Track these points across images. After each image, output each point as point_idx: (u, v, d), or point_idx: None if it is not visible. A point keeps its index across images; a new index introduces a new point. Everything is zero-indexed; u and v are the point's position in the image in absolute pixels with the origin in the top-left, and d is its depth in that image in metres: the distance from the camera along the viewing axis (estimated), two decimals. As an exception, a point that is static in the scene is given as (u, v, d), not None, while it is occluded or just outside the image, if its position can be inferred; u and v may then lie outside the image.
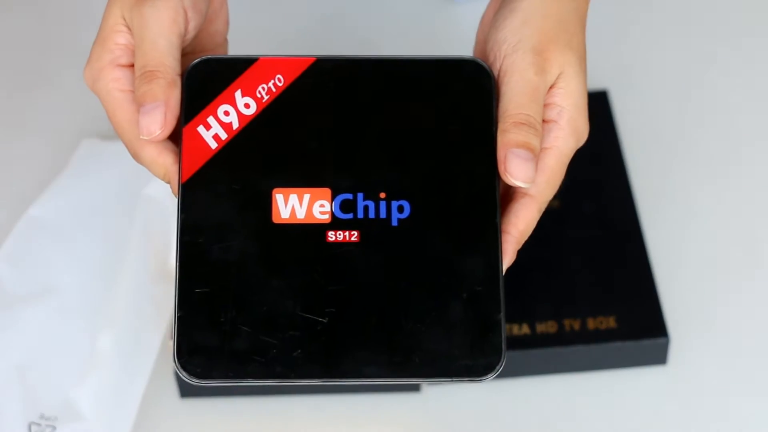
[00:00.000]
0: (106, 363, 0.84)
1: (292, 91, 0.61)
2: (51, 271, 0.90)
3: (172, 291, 0.87)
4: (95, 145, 0.98)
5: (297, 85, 0.61)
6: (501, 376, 0.84)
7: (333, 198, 0.59)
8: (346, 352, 0.57)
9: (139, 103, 0.62)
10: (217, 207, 0.59)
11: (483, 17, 0.70)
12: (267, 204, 0.59)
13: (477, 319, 0.58)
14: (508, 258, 0.62)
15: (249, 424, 0.83)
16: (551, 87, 0.64)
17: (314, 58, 0.62)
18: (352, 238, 0.58)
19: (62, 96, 1.04)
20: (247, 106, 0.60)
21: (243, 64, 0.61)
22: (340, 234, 0.58)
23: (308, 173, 0.59)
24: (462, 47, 1.07)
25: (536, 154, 0.62)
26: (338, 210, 0.58)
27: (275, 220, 0.59)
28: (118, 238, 0.91)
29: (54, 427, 0.82)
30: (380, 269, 0.58)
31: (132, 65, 0.64)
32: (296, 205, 0.58)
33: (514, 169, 0.61)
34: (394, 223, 0.59)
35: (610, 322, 0.84)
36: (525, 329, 0.84)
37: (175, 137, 0.64)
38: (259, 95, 0.61)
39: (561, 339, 0.84)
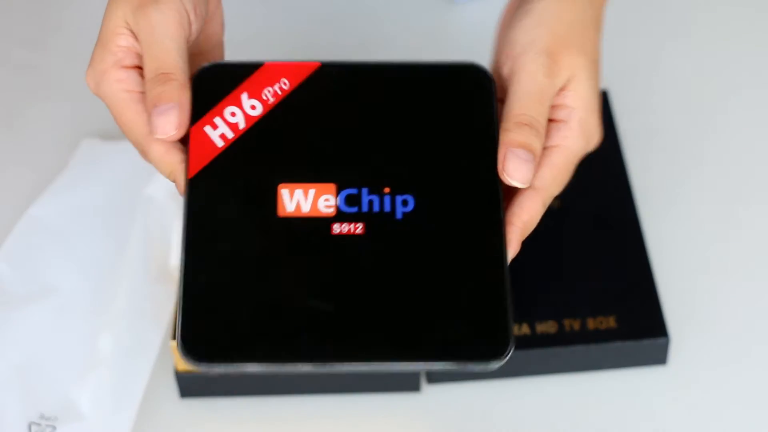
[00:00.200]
0: (106, 363, 0.84)
1: (298, 94, 0.62)
2: (51, 270, 0.90)
3: (172, 291, 0.87)
4: (95, 145, 0.98)
5: (302, 88, 0.62)
6: (501, 376, 0.84)
7: (338, 192, 0.60)
8: (352, 336, 0.57)
9: (153, 104, 0.63)
10: (223, 201, 0.60)
11: (501, 18, 0.71)
12: (272, 198, 0.60)
13: (483, 306, 0.59)
14: (512, 248, 0.63)
15: (249, 425, 0.83)
16: (562, 89, 0.65)
17: (319, 63, 0.64)
18: (357, 230, 0.59)
19: (62, 96, 1.04)
20: (253, 107, 0.62)
21: (249, 68, 0.63)
22: (345, 226, 0.59)
23: (313, 169, 0.60)
24: (462, 47, 1.07)
25: (536, 156, 0.63)
26: (343, 204, 0.59)
27: (280, 213, 0.59)
28: (118, 238, 0.91)
29: (54, 427, 0.82)
30: (386, 258, 0.59)
31: (135, 67, 0.66)
32: (301, 200, 0.59)
33: (513, 169, 0.62)
34: (399, 216, 0.59)
35: (610, 322, 0.84)
36: (525, 329, 0.84)
37: (182, 137, 0.65)
38: (264, 97, 0.62)
39: (561, 339, 0.83)
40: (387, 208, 0.59)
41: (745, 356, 0.86)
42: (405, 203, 0.60)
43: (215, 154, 0.61)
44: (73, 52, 1.07)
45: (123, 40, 0.66)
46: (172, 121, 0.63)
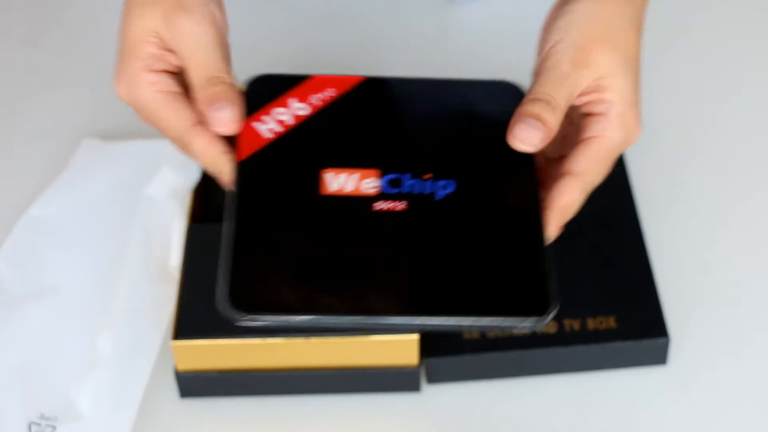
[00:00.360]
0: (106, 363, 0.84)
1: (343, 100, 0.68)
2: (51, 270, 0.90)
3: (172, 291, 0.87)
4: (95, 145, 0.98)
5: (347, 96, 0.68)
6: (501, 376, 0.84)
7: (381, 177, 0.64)
8: (396, 293, 0.61)
9: (209, 104, 0.67)
10: (270, 180, 0.65)
11: (545, 20, 0.73)
12: (316, 180, 0.64)
13: (523, 270, 0.63)
14: (552, 230, 0.66)
15: (249, 425, 0.83)
16: (600, 88, 0.68)
17: (364, 77, 0.69)
18: (398, 208, 0.63)
19: (62, 96, 1.03)
20: (300, 109, 0.67)
21: (297, 79, 0.68)
22: (386, 204, 0.63)
23: (357, 158, 0.65)
24: (462, 47, 1.07)
25: (547, 126, 0.66)
26: (386, 186, 0.64)
27: (324, 192, 0.64)
28: (118, 239, 0.91)
29: (54, 427, 0.82)
30: (427, 229, 0.63)
31: (164, 71, 0.69)
32: (345, 181, 0.64)
33: (519, 131, 0.66)
34: (439, 197, 0.64)
35: (610, 322, 0.84)
36: (525, 329, 0.84)
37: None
38: (311, 102, 0.67)
39: (561, 339, 0.83)
40: (428, 190, 0.64)
41: (746, 356, 0.85)
42: (445, 187, 0.64)
43: (264, 143, 0.66)
44: (72, 52, 1.07)
45: (151, 48, 0.69)
46: (229, 116, 0.67)
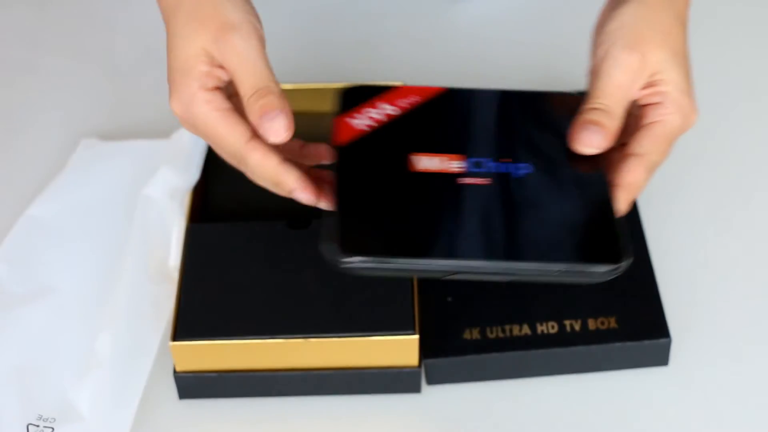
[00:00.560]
0: (104, 364, 0.84)
1: (427, 105, 0.76)
2: (49, 270, 0.90)
3: (171, 291, 0.87)
4: (94, 145, 0.98)
5: (431, 101, 0.76)
6: (501, 377, 0.84)
7: (465, 159, 0.73)
8: (487, 242, 0.70)
9: (260, 114, 0.72)
10: (366, 160, 0.74)
11: (597, 19, 0.79)
12: (405, 161, 0.73)
13: (596, 227, 0.72)
14: (621, 206, 0.73)
15: (247, 426, 0.83)
16: (655, 83, 0.74)
17: (445, 88, 0.77)
18: (482, 182, 0.72)
19: (61, 96, 1.03)
20: (389, 110, 0.76)
21: (386, 88, 0.77)
22: (471, 179, 0.72)
23: (443, 146, 0.74)
24: (463, 44, 1.07)
25: (606, 131, 0.73)
26: (470, 166, 0.73)
27: (412, 170, 0.73)
28: (117, 238, 0.91)
29: (52, 429, 0.82)
30: (510, 197, 0.72)
31: (216, 88, 0.74)
32: (431, 162, 0.73)
33: (583, 137, 0.73)
34: (518, 175, 0.73)
35: (611, 323, 0.84)
36: (525, 329, 0.84)
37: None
38: (399, 105, 0.76)
39: (561, 340, 0.83)
40: (508, 170, 0.73)
41: (747, 357, 0.85)
42: (523, 168, 0.73)
43: (359, 133, 0.74)
44: (72, 53, 1.07)
45: (203, 66, 0.73)
46: (281, 125, 0.72)
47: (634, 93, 0.75)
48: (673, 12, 0.76)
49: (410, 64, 1.04)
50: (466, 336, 0.84)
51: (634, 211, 0.89)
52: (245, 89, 0.73)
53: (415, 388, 0.84)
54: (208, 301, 0.83)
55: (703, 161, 0.96)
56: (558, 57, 1.05)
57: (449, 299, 0.86)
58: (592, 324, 0.84)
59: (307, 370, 0.83)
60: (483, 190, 0.71)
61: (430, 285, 0.86)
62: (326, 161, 0.78)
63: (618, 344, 0.83)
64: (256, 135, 0.73)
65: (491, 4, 1.10)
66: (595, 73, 0.75)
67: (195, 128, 0.75)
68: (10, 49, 1.08)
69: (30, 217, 0.93)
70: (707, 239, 0.91)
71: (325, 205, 0.73)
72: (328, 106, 0.97)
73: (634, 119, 0.76)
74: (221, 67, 0.74)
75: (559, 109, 0.76)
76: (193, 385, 0.84)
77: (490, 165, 0.73)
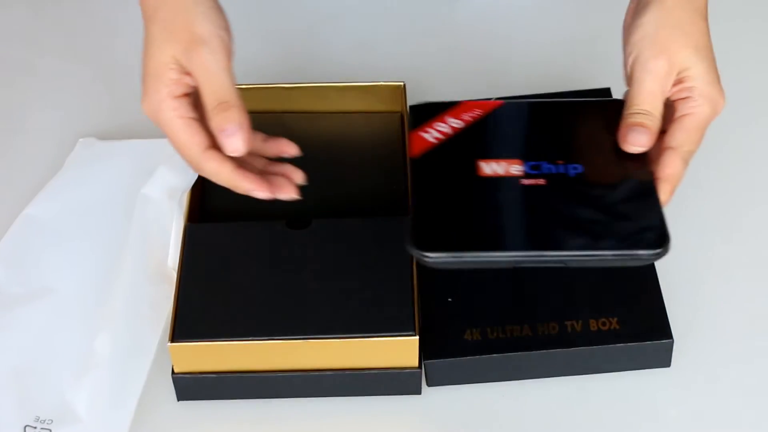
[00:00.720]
0: (102, 364, 0.84)
1: (489, 116, 0.85)
2: (47, 271, 0.90)
3: (169, 291, 0.86)
4: (92, 145, 0.98)
5: (492, 113, 0.85)
6: (502, 378, 0.84)
7: (524, 164, 0.81)
8: (551, 232, 0.78)
9: (220, 129, 0.77)
10: (437, 169, 0.82)
11: (624, 18, 0.85)
12: (473, 167, 0.81)
13: (643, 215, 0.79)
14: (664, 195, 0.80)
15: (246, 428, 0.83)
16: (683, 79, 0.80)
17: (503, 101, 0.87)
18: (540, 182, 0.80)
19: (59, 96, 1.03)
20: (455, 123, 0.84)
21: (450, 104, 0.85)
22: (531, 180, 0.80)
23: (504, 152, 0.82)
24: (462, 42, 1.07)
25: (650, 130, 0.80)
26: (528, 169, 0.81)
27: (480, 174, 0.81)
28: (115, 239, 0.91)
29: (50, 430, 0.82)
30: (566, 193, 0.80)
31: (183, 95, 0.78)
32: (496, 167, 0.81)
33: (630, 138, 0.80)
34: (572, 175, 0.80)
35: (613, 324, 0.84)
36: (526, 330, 0.83)
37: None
38: (463, 119, 0.84)
39: (563, 340, 0.83)
40: (562, 170, 0.81)
41: (750, 358, 0.85)
42: (575, 168, 0.81)
43: (431, 145, 0.83)
44: (70, 53, 1.07)
45: (173, 74, 0.78)
46: (239, 140, 0.77)
47: (667, 93, 0.81)
48: (691, 7, 0.82)
49: (410, 64, 1.04)
50: (467, 337, 0.84)
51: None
52: (209, 101, 0.78)
53: (416, 390, 0.84)
54: (206, 301, 0.83)
55: (704, 162, 0.95)
56: (558, 53, 1.05)
57: (449, 300, 0.85)
58: (593, 325, 0.84)
59: (307, 371, 0.83)
60: (542, 189, 0.79)
61: (431, 285, 0.85)
62: (287, 155, 0.83)
63: (620, 345, 0.83)
64: (214, 144, 0.78)
65: (491, 3, 1.09)
66: (630, 80, 0.81)
67: (161, 129, 0.79)
68: (9, 49, 1.08)
69: (28, 217, 0.93)
70: (710, 241, 0.91)
71: (284, 196, 0.79)
72: (328, 105, 0.97)
73: (669, 110, 0.81)
74: (189, 74, 0.78)
75: (602, 115, 0.84)
76: (192, 387, 0.83)
77: (546, 167, 0.81)
